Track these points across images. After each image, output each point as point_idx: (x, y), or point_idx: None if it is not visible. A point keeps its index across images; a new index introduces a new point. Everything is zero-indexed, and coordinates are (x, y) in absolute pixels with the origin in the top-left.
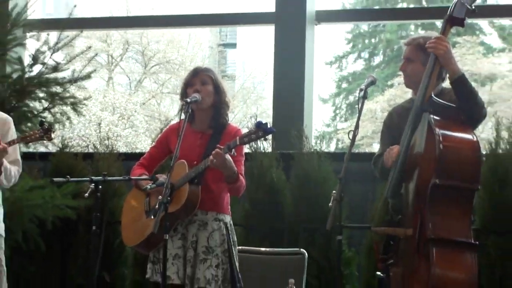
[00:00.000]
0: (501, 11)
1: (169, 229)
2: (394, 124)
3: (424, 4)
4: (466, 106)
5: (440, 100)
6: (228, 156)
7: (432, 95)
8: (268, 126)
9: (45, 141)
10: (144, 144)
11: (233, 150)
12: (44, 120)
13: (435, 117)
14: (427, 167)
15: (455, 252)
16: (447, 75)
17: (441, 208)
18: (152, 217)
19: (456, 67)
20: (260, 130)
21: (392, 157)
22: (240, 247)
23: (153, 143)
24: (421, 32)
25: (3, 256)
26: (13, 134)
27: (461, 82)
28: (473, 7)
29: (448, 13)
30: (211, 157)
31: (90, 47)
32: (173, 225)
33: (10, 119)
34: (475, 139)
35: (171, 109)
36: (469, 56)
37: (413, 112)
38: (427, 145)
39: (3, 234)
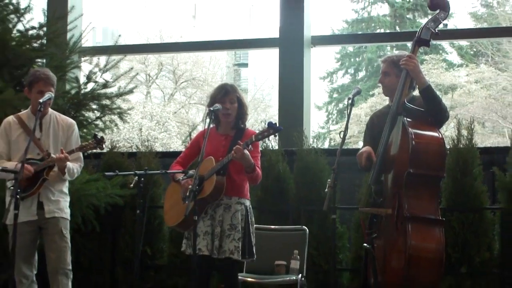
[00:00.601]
0: (459, 34)
1: (199, 212)
2: (374, 125)
3: (398, 29)
4: (432, 110)
5: (412, 106)
6: (246, 151)
7: (405, 101)
8: (277, 125)
9: (102, 149)
10: (176, 144)
11: (250, 145)
12: (97, 129)
13: (408, 119)
14: (402, 159)
15: (427, 227)
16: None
17: (415, 192)
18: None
19: (423, 79)
20: (271, 128)
21: (362, 160)
22: (254, 225)
23: (187, 144)
24: (395, 52)
25: (68, 236)
26: (76, 136)
27: (427, 91)
28: (437, 31)
29: (416, 36)
30: (232, 151)
31: (132, 68)
32: (203, 208)
33: (74, 123)
34: (440, 136)
35: (197, 117)
36: (434, 70)
37: (390, 115)
38: (402, 141)
39: (69, 218)
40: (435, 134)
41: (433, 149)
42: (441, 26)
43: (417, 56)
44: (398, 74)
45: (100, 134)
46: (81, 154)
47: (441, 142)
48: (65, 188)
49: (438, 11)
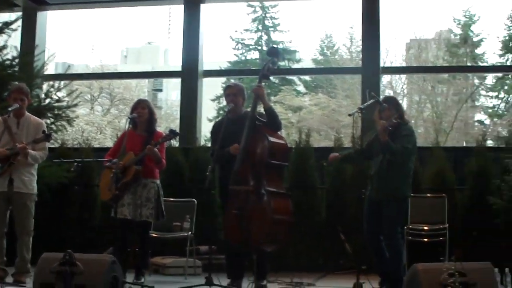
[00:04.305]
0: (304, 71)
1: (124, 190)
2: (217, 131)
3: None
4: (272, 122)
5: (260, 118)
6: (155, 149)
7: (256, 115)
8: (175, 131)
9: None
10: (110, 144)
11: (157, 145)
12: (52, 131)
13: (260, 126)
14: (261, 152)
15: (281, 198)
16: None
17: (270, 175)
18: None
19: (267, 102)
20: (172, 133)
21: (236, 149)
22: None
23: (115, 142)
24: (237, 82)
25: (31, 205)
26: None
27: (270, 110)
28: (275, 68)
29: (261, 72)
30: (146, 149)
31: (76, 89)
32: (127, 187)
33: (42, 123)
34: (284, 137)
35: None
36: (288, 96)
37: (247, 123)
38: (260, 140)
39: (34, 192)
40: (280, 136)
41: (281, 145)
42: (275, 66)
43: (263, 85)
44: (243, 96)
45: (48, 132)
46: (46, 145)
47: (285, 142)
48: (34, 170)
49: (272, 57)
